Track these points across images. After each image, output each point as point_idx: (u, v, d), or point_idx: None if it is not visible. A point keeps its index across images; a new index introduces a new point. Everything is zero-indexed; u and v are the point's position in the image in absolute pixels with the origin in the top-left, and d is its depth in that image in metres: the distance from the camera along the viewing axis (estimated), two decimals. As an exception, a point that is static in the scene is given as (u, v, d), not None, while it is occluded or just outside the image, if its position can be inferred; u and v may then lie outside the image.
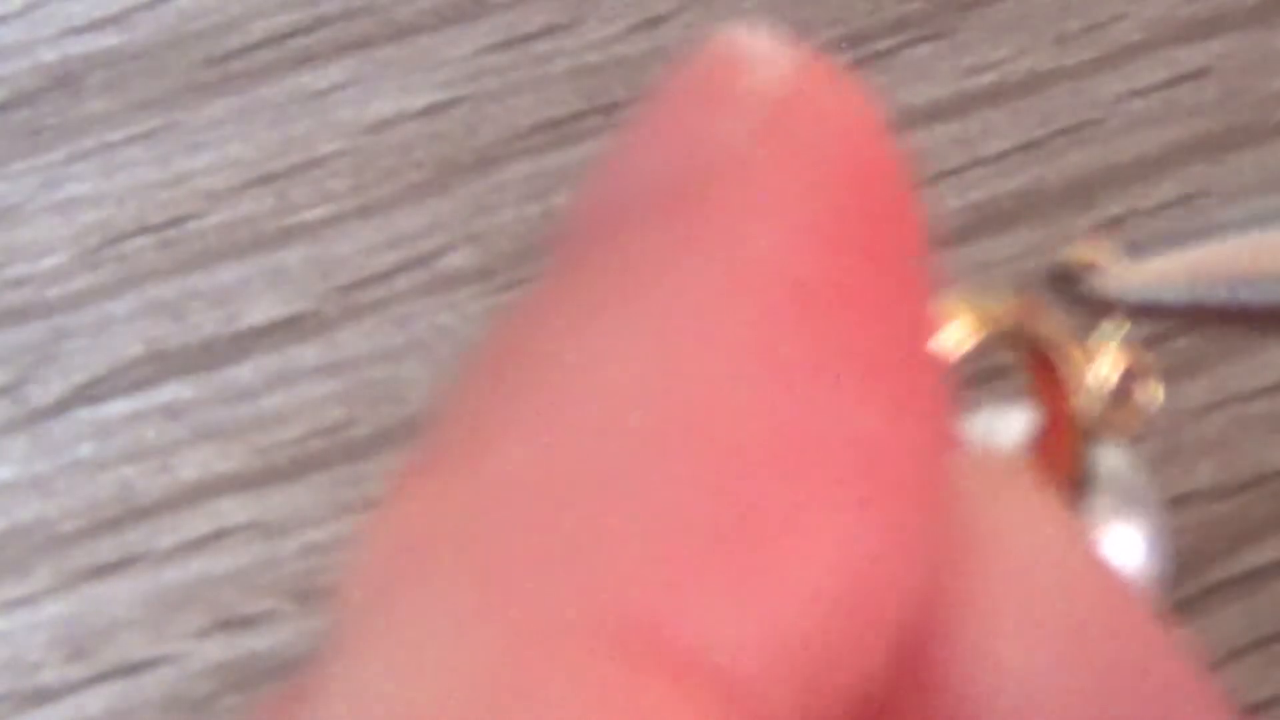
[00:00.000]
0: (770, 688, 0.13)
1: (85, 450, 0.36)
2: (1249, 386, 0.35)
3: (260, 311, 0.37)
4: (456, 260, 0.38)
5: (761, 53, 0.16)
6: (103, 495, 0.35)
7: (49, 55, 0.40)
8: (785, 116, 0.15)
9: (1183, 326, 0.18)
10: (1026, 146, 0.38)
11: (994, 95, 0.39)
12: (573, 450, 0.14)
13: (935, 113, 0.39)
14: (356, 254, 0.38)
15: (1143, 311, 0.18)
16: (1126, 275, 0.18)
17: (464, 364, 0.15)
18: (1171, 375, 0.33)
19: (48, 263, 0.38)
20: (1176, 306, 0.18)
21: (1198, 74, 0.39)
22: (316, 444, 0.36)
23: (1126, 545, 0.20)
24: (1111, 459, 0.20)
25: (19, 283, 0.38)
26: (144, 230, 0.38)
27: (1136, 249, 0.18)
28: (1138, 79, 0.39)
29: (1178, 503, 0.35)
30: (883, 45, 0.40)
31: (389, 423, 0.36)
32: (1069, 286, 0.18)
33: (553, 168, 0.39)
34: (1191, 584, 0.34)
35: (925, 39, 0.40)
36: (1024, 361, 0.19)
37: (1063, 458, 0.19)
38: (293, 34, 0.40)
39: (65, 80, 0.40)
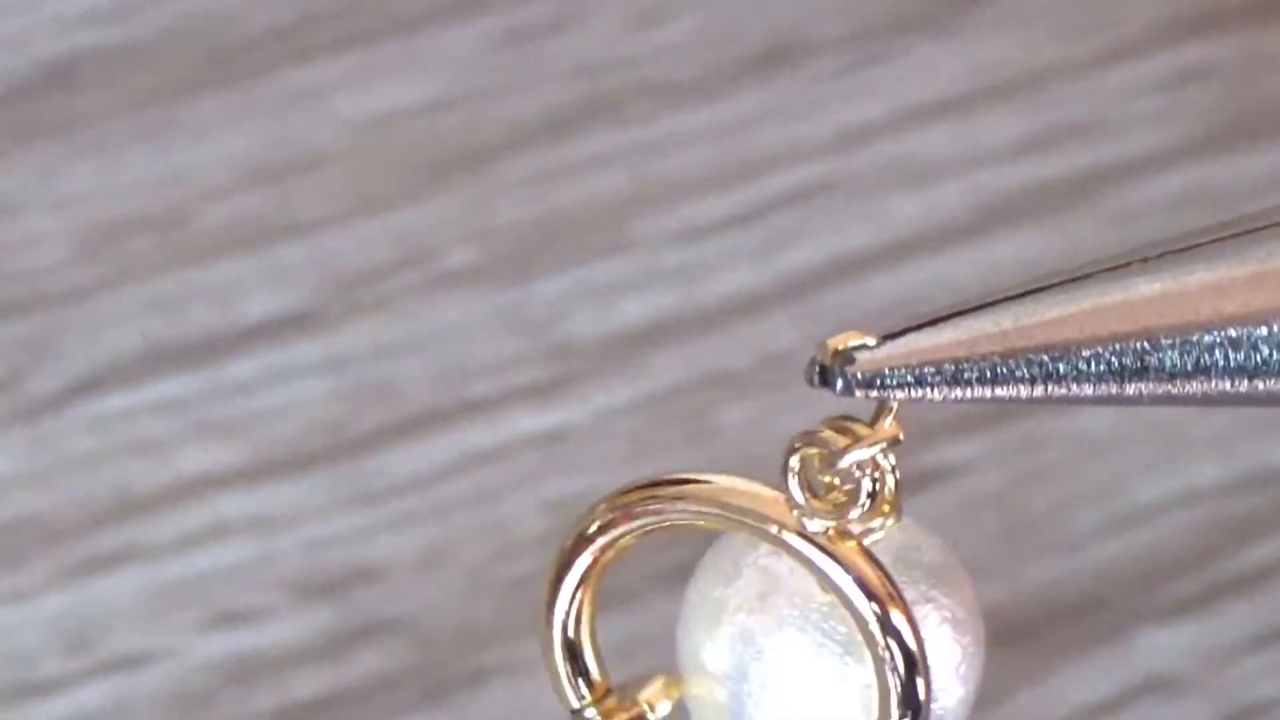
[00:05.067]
0: None
1: (83, 445, 0.36)
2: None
3: (259, 307, 0.37)
4: (456, 258, 0.38)
5: None
6: (101, 490, 0.35)
7: (46, 49, 0.40)
8: None
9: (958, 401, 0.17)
10: (1030, 144, 0.38)
11: (997, 92, 0.39)
12: None
13: (938, 110, 0.39)
14: (356, 251, 0.38)
15: (911, 394, 0.17)
16: (886, 358, 0.17)
17: None
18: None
19: (45, 257, 0.38)
20: (942, 387, 0.17)
21: (1202, 71, 0.39)
22: (315, 440, 0.36)
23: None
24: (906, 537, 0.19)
25: (17, 277, 0.37)
26: (142, 225, 0.38)
27: (893, 332, 0.17)
28: (1142, 76, 0.39)
29: (1179, 501, 0.35)
30: (885, 42, 0.40)
31: (388, 420, 0.36)
32: (831, 379, 0.17)
33: (553, 166, 0.39)
34: (1193, 583, 0.34)
35: (928, 36, 0.40)
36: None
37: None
38: (292, 29, 0.40)
39: (62, 74, 0.40)
